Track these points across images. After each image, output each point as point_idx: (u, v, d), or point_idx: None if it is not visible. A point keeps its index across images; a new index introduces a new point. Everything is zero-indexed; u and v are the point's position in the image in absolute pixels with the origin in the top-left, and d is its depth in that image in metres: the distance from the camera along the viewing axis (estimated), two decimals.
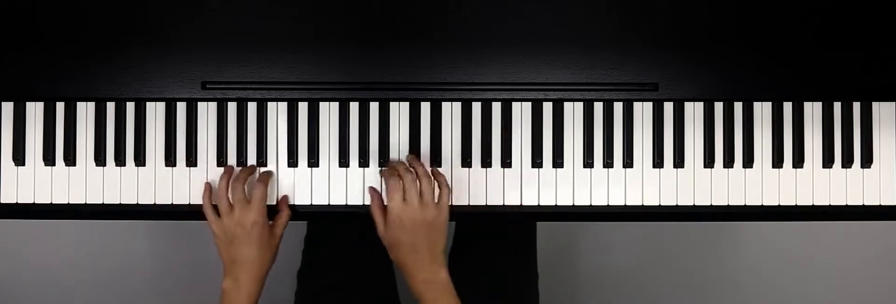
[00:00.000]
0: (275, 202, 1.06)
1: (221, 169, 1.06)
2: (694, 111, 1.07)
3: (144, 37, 1.03)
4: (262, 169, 1.06)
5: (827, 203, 1.07)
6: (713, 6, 1.04)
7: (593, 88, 1.04)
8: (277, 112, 1.06)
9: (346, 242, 1.22)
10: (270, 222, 1.02)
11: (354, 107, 1.06)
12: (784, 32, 1.04)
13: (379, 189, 1.05)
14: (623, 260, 1.83)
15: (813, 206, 1.07)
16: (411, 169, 1.00)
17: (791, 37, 1.04)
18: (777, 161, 1.07)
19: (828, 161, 1.07)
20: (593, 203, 1.06)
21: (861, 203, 1.07)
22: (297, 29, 1.03)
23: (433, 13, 1.03)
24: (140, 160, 1.06)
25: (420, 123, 1.06)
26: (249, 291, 0.99)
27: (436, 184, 1.01)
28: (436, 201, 0.99)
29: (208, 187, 1.03)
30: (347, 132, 1.06)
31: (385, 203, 1.01)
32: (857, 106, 1.08)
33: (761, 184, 1.07)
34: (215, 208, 1.01)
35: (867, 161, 1.07)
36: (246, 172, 1.03)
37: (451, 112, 1.07)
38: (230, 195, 1.01)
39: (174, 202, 1.06)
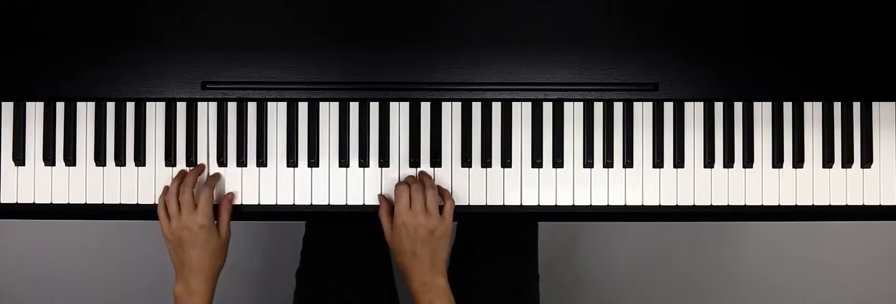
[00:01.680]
0: (274, 202, 1.06)
1: (222, 169, 1.06)
2: (694, 111, 1.07)
3: (145, 37, 1.03)
4: (262, 170, 1.06)
5: (827, 203, 1.07)
6: (713, 6, 1.04)
7: (593, 88, 1.04)
8: (277, 112, 1.06)
9: (345, 242, 1.22)
10: (216, 222, 1.02)
11: (354, 107, 1.06)
12: (784, 32, 1.04)
13: (387, 196, 1.06)
14: (623, 260, 1.83)
15: (813, 206, 1.07)
16: (420, 180, 1.02)
17: (791, 37, 1.04)
18: (777, 161, 1.07)
19: (828, 161, 1.07)
20: (593, 203, 1.06)
21: (861, 203, 1.07)
22: (297, 29, 1.03)
23: (433, 13, 1.03)
24: (140, 160, 1.06)
25: (420, 123, 1.06)
26: (202, 293, 0.99)
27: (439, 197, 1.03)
28: (440, 212, 1.00)
29: (165, 190, 1.03)
30: (347, 132, 1.06)
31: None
32: (857, 106, 1.08)
33: (761, 184, 1.07)
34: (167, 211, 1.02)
35: (867, 161, 1.07)
36: (194, 173, 1.03)
37: (451, 112, 1.07)
38: (179, 198, 1.01)
39: None
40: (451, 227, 1.01)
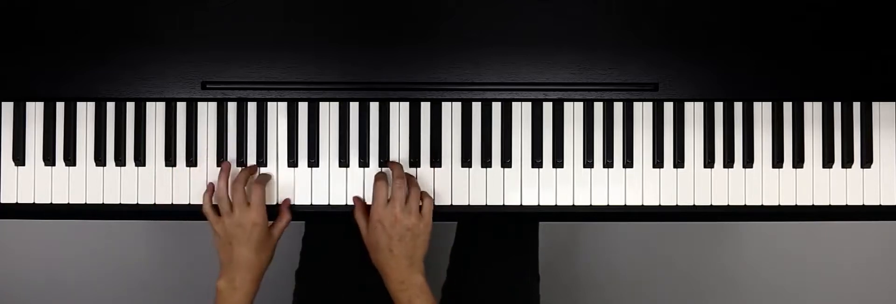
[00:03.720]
0: (274, 203, 1.06)
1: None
2: (694, 111, 1.07)
3: (145, 37, 1.03)
4: (262, 170, 1.06)
5: (827, 203, 1.07)
6: (713, 6, 1.04)
7: (593, 88, 1.04)
8: (277, 112, 1.06)
9: (345, 242, 1.22)
10: (270, 223, 1.02)
11: (354, 107, 1.06)
12: (784, 32, 1.04)
13: (362, 197, 1.06)
14: (623, 260, 1.83)
15: (813, 206, 1.07)
16: (404, 176, 1.01)
17: (791, 37, 1.04)
18: (777, 161, 1.07)
19: (828, 161, 1.07)
20: (593, 203, 1.06)
21: (861, 203, 1.07)
22: (297, 29, 1.03)
23: (433, 13, 1.03)
24: (140, 160, 1.06)
25: (420, 123, 1.06)
26: (245, 291, 0.99)
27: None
28: (419, 210, 1.00)
29: (210, 188, 1.03)
30: (347, 132, 1.06)
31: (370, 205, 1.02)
32: (857, 106, 1.08)
33: (761, 184, 1.07)
34: (216, 208, 1.02)
35: (867, 161, 1.07)
36: (246, 172, 1.03)
37: (451, 112, 1.07)
38: (230, 196, 1.01)
39: (174, 202, 1.06)
40: (430, 226, 1.00)
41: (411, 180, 1.03)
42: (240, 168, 1.05)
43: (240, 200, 1.00)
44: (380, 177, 1.02)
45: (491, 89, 1.04)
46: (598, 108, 1.07)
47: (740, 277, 1.83)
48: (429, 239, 1.00)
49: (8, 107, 1.07)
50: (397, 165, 1.03)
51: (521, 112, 1.07)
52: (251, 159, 1.06)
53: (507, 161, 1.06)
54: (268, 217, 1.02)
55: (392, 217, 0.98)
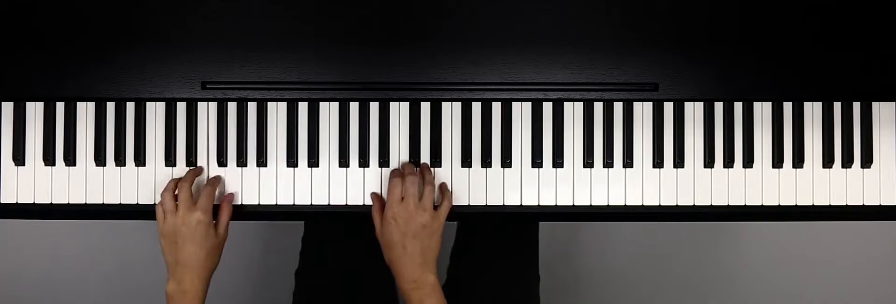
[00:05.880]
0: (274, 202, 1.06)
1: (222, 169, 1.06)
2: (694, 111, 1.07)
3: (144, 37, 1.03)
4: (262, 170, 1.06)
5: (827, 203, 1.07)
6: (713, 6, 1.04)
7: (593, 88, 1.04)
8: (277, 112, 1.06)
9: (345, 242, 1.22)
10: (214, 222, 1.02)
11: (354, 107, 1.06)
12: (784, 32, 1.04)
13: (381, 193, 1.06)
14: (623, 260, 1.83)
15: (813, 206, 1.07)
16: (417, 173, 1.01)
17: (791, 37, 1.04)
18: (777, 161, 1.07)
19: (828, 161, 1.07)
20: (593, 203, 1.06)
21: (861, 203, 1.07)
22: (297, 29, 1.03)
23: (433, 13, 1.03)
24: (140, 160, 1.06)
25: (420, 123, 1.06)
26: (195, 292, 0.98)
27: (438, 193, 1.04)
28: (434, 208, 1.00)
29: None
30: (347, 132, 1.06)
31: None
32: (857, 106, 1.08)
33: (761, 184, 1.07)
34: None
35: (867, 161, 1.07)
36: (193, 173, 1.03)
37: (451, 112, 1.07)
38: (177, 194, 1.01)
39: None
40: (443, 225, 1.00)
41: (427, 178, 1.02)
42: (188, 169, 1.05)
43: (186, 198, 0.99)
44: (396, 174, 1.02)
45: (491, 89, 1.04)
46: (598, 108, 1.07)
47: (740, 277, 1.83)
48: (441, 239, 1.00)
49: (8, 107, 1.07)
50: (409, 163, 1.04)
51: (521, 112, 1.07)
52: (251, 159, 1.06)
53: (507, 161, 1.06)
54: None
55: (406, 214, 0.98)
